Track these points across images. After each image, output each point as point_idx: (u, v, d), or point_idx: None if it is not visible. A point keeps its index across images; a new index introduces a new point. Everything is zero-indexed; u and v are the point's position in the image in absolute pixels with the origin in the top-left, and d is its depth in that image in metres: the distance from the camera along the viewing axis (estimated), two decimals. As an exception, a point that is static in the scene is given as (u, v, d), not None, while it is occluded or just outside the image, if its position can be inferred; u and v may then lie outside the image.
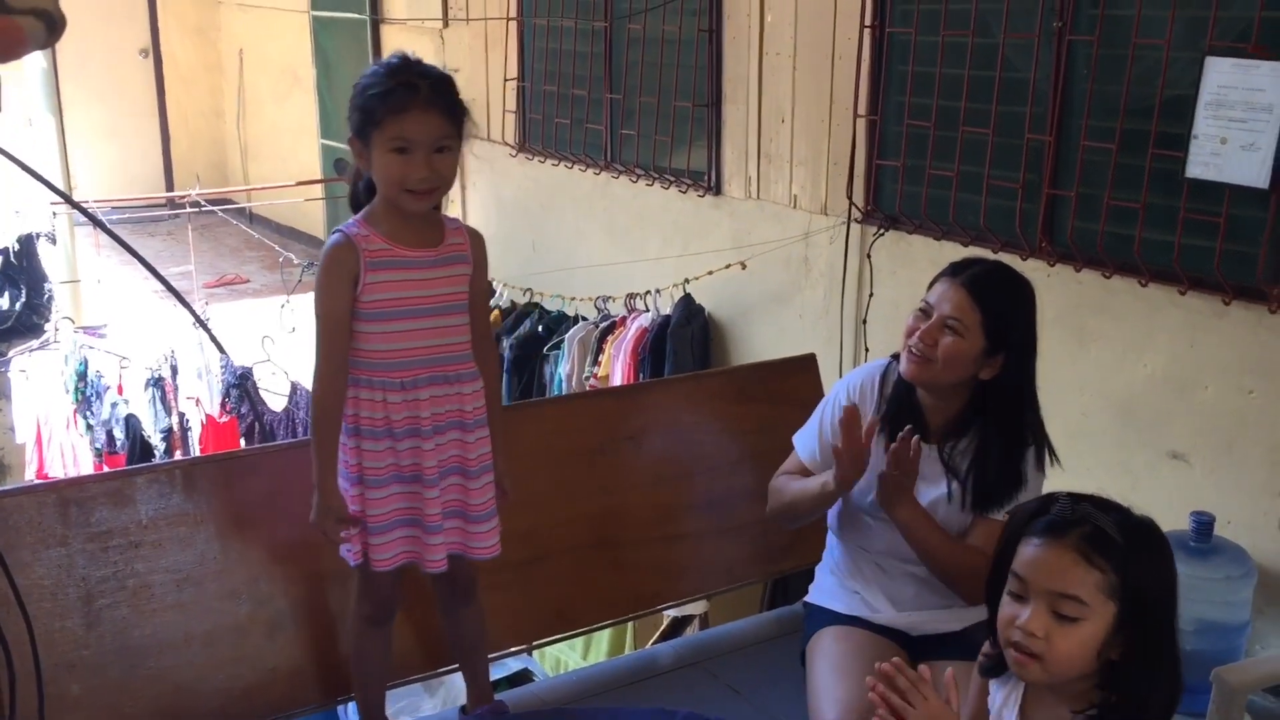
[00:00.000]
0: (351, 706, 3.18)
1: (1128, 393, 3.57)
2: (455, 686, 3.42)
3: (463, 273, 2.14)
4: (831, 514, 2.54)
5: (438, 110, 2.00)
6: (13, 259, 6.41)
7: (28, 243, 6.49)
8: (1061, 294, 3.65)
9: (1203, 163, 3.20)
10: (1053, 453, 2.34)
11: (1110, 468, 3.54)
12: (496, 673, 3.51)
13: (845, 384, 2.47)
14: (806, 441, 2.50)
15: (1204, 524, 2.93)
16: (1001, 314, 2.24)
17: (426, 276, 2.09)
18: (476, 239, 2.19)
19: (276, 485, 2.32)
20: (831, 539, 2.57)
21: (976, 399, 2.30)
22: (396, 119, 1.98)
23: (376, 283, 2.05)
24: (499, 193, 6.71)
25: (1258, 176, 3.08)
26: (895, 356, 2.39)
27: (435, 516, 2.12)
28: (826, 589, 2.53)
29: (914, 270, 4.23)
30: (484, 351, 2.23)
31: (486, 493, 2.19)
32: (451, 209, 7.10)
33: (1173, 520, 2.96)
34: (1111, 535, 1.58)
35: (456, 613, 2.32)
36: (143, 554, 2.19)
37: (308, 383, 5.21)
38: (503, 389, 5.42)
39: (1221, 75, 3.13)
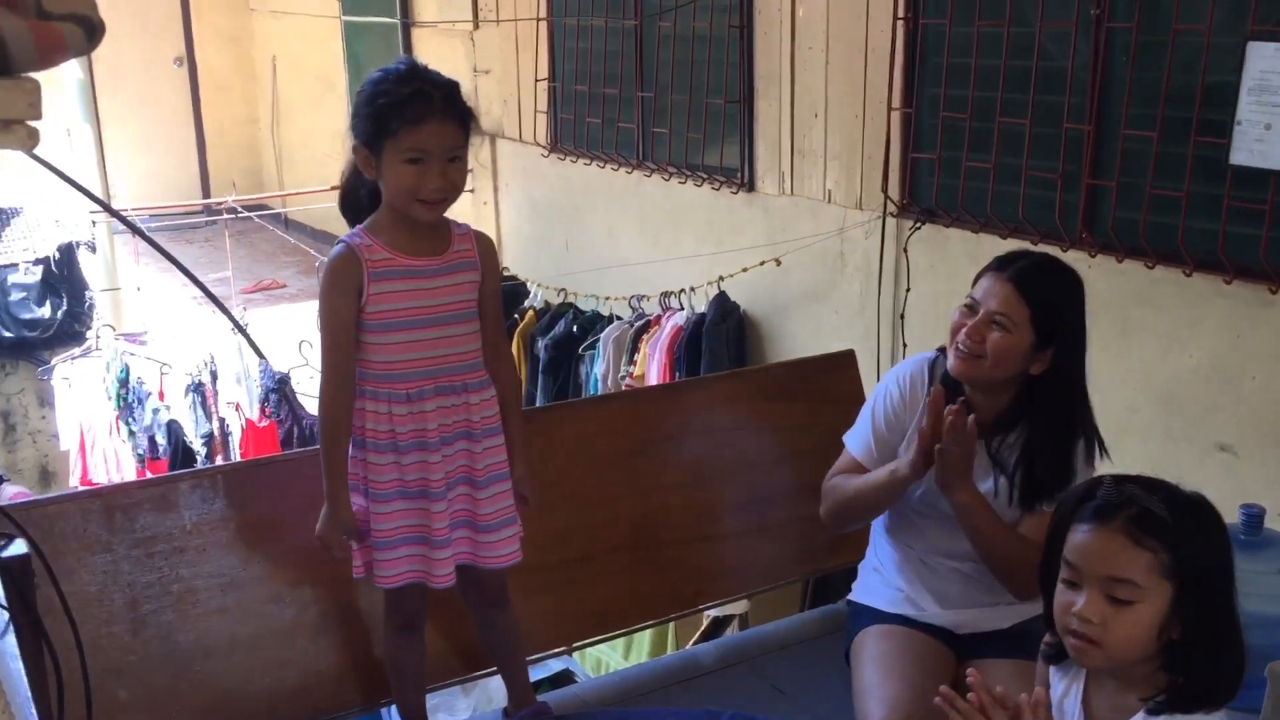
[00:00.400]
0: (393, 709, 3.20)
1: (1173, 385, 3.52)
2: (490, 687, 3.43)
3: (470, 280, 2.11)
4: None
5: (453, 120, 1.99)
6: (54, 268, 6.48)
7: (68, 251, 6.56)
8: (1104, 285, 3.60)
9: (1247, 149, 3.15)
10: (1102, 446, 2.30)
11: (1157, 461, 3.49)
12: (537, 674, 3.52)
13: (894, 375, 2.43)
14: (859, 438, 2.46)
15: (1254, 516, 2.87)
16: (1050, 308, 2.20)
17: (431, 286, 2.06)
18: (485, 243, 2.16)
19: (318, 488, 2.32)
20: (876, 536, 2.54)
21: (1025, 393, 2.27)
22: (413, 130, 1.95)
23: (380, 293, 2.02)
24: (531, 194, 6.71)
25: (1304, 162, 3.02)
26: (942, 350, 2.35)
27: (443, 530, 2.09)
28: (871, 587, 2.50)
29: (952, 264, 4.19)
30: (496, 358, 2.19)
31: (498, 502, 2.16)
32: (485, 210, 7.11)
33: (1222, 513, 2.91)
34: (1159, 514, 1.56)
35: (489, 619, 2.31)
36: (187, 559, 2.20)
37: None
38: (536, 390, 5.42)
39: (1264, 60, 3.07)
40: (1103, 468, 2.33)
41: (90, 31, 0.84)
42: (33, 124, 0.80)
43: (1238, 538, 2.85)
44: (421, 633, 2.27)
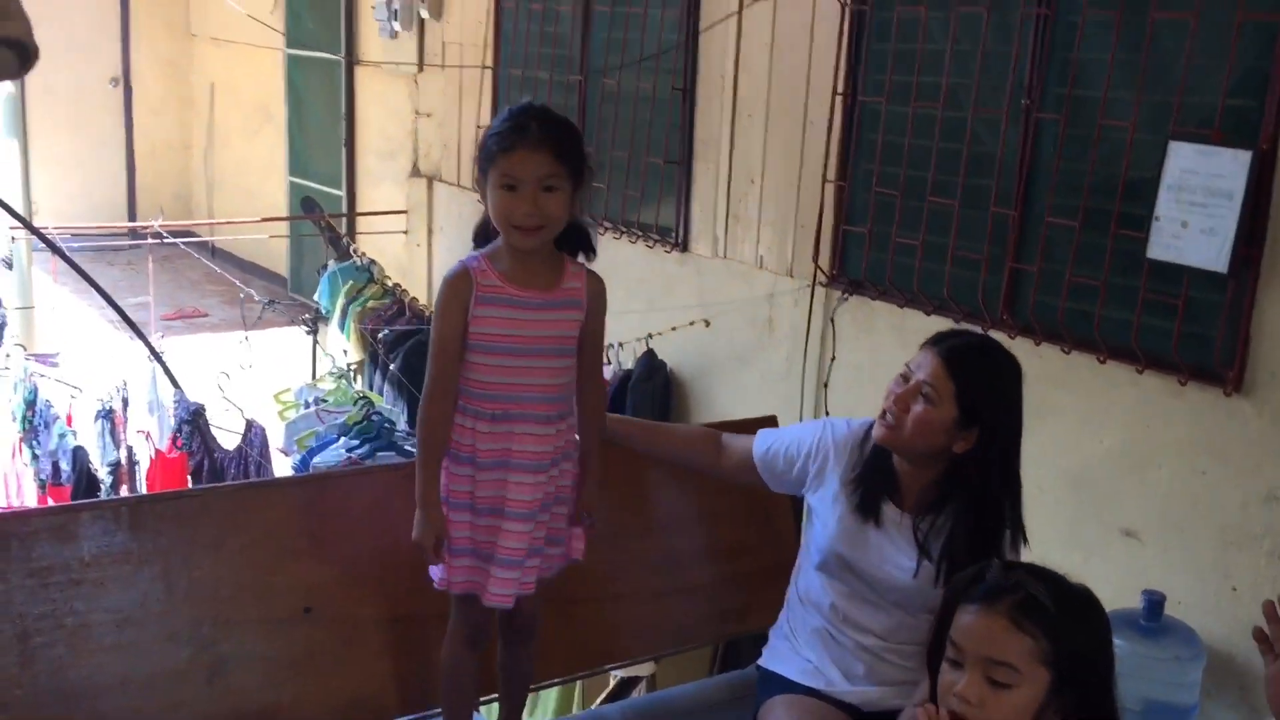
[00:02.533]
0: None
1: (1083, 468, 3.59)
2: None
3: (574, 317, 2.20)
4: (795, 574, 2.52)
5: (546, 149, 2.07)
6: (-33, 282, 6.31)
7: (-16, 266, 6.40)
8: (1022, 366, 3.67)
9: (1164, 244, 3.25)
10: (1024, 534, 2.32)
11: (1063, 542, 3.56)
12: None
13: (835, 430, 2.44)
14: (769, 438, 2.52)
15: (1154, 603, 2.94)
16: (976, 386, 2.22)
17: (534, 317, 2.15)
18: (595, 284, 2.24)
19: (225, 527, 2.28)
20: (790, 601, 2.54)
21: (953, 474, 2.28)
22: (505, 156, 2.06)
23: (484, 316, 2.12)
24: (465, 238, 6.66)
25: (1217, 260, 3.13)
26: None
27: (517, 551, 2.17)
28: (781, 654, 2.50)
29: (877, 336, 4.26)
30: (588, 388, 2.31)
31: (558, 520, 2.28)
32: (418, 252, 7.08)
33: (1123, 598, 2.97)
34: (1043, 602, 1.60)
35: (514, 649, 2.39)
36: (83, 592, 2.13)
37: (264, 420, 5.16)
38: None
39: (1184, 160, 3.19)
40: (1024, 555, 2.36)
41: (24, 57, 0.83)
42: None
43: (1138, 623, 2.92)
44: (482, 650, 2.34)
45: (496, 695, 2.50)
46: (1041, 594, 1.61)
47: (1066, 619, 1.60)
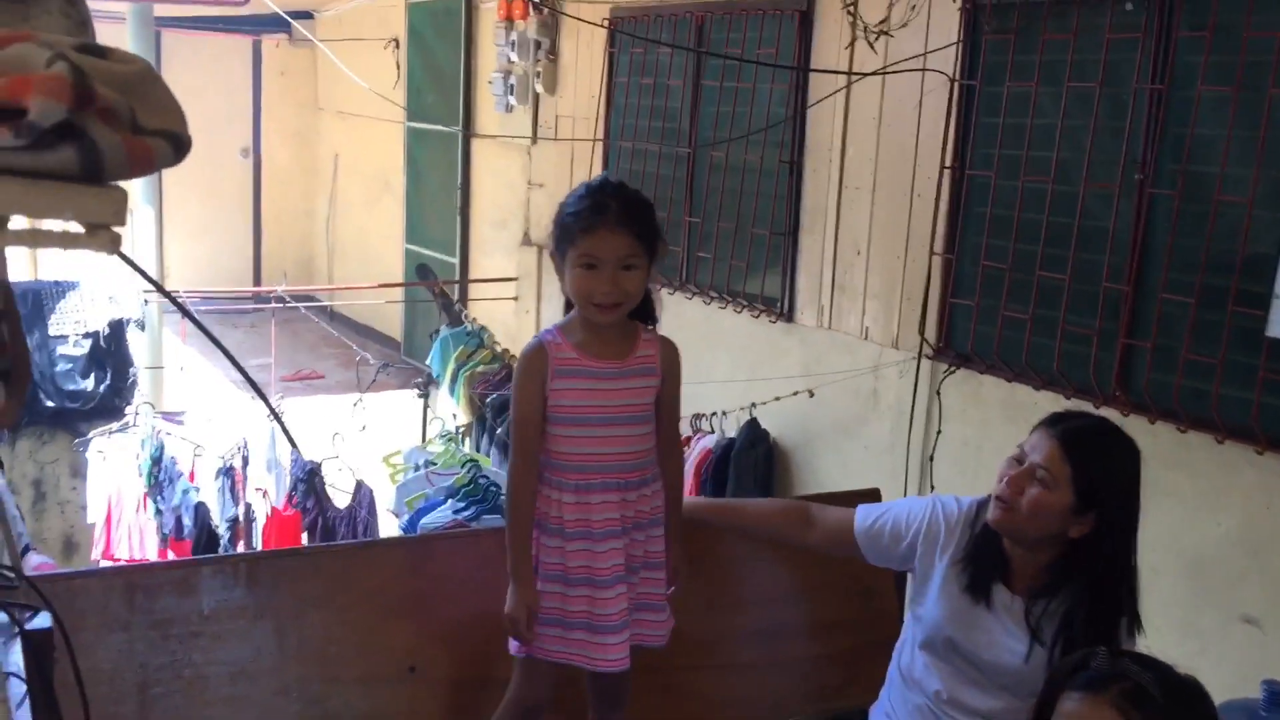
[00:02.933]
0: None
1: (1199, 552, 3.48)
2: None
3: (649, 385, 2.24)
4: (898, 650, 2.49)
5: (626, 230, 2.11)
6: (101, 342, 6.61)
7: (118, 327, 6.70)
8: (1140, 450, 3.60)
9: (1284, 323, 3.17)
10: (1139, 622, 2.26)
11: (1179, 629, 3.44)
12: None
13: (945, 508, 2.41)
14: (872, 512, 2.49)
15: (1276, 694, 2.82)
16: (1093, 471, 2.17)
17: (611, 387, 2.19)
18: (668, 350, 2.29)
19: (335, 585, 2.35)
20: (890, 678, 2.51)
21: (1067, 558, 2.23)
22: (586, 237, 2.10)
23: (562, 389, 2.17)
24: (574, 306, 6.80)
25: (1339, 339, 3.04)
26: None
27: (615, 616, 2.19)
28: (880, 733, 2.47)
29: (984, 410, 4.21)
30: (668, 455, 2.33)
31: (651, 585, 2.29)
32: (527, 319, 7.21)
33: (1243, 687, 2.85)
34: (1151, 692, 1.58)
35: (604, 715, 2.40)
36: (201, 644, 2.21)
37: (373, 482, 5.28)
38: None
39: (1304, 240, 3.11)
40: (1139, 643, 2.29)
41: (178, 147, 0.90)
42: (116, 230, 0.86)
43: (1258, 714, 2.80)
44: None
45: None
46: (1149, 683, 1.58)
47: (1174, 709, 1.58)
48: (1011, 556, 2.28)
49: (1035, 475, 2.18)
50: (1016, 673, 2.26)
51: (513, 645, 2.26)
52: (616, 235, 2.10)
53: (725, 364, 5.53)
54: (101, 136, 0.82)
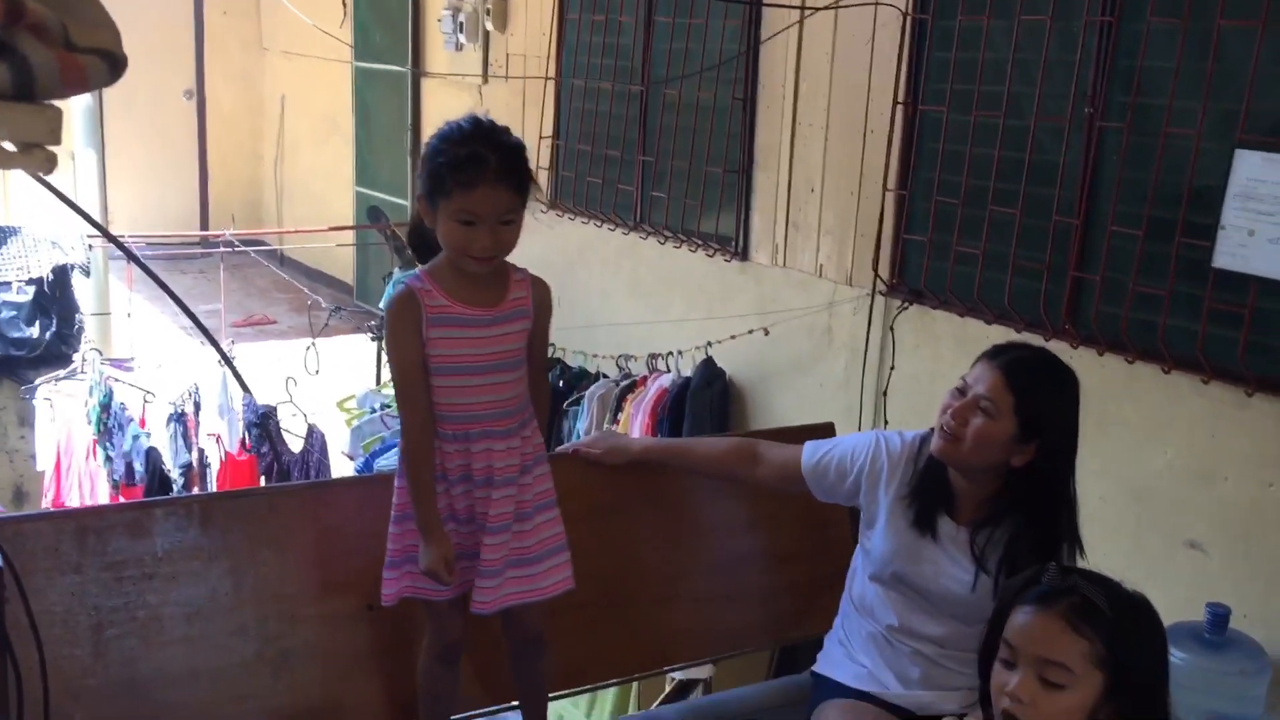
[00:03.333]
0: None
1: (1146, 480, 3.55)
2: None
3: (522, 328, 2.16)
4: (849, 581, 2.53)
5: (505, 185, 2.02)
6: (46, 289, 6.48)
7: (62, 274, 6.57)
8: (1083, 377, 3.58)
9: (1229, 253, 3.21)
10: (1080, 546, 2.31)
11: (1126, 555, 3.52)
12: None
13: (888, 443, 2.44)
14: (819, 448, 2.51)
15: (1219, 616, 2.90)
16: (1035, 400, 2.22)
17: (485, 335, 2.11)
18: (540, 289, 2.20)
19: (290, 525, 2.34)
20: (844, 608, 2.55)
21: (1009, 487, 2.28)
22: (465, 193, 2.00)
23: (436, 339, 2.08)
24: (527, 248, 6.71)
25: (1284, 270, 3.09)
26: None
27: (496, 562, 2.15)
28: (835, 660, 2.51)
29: (936, 345, 4.24)
30: (535, 382, 2.26)
31: (543, 531, 2.22)
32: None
33: (1187, 611, 2.93)
34: (1100, 606, 1.62)
35: (522, 663, 2.37)
36: (155, 586, 2.20)
37: (325, 426, 5.26)
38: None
39: (1251, 168, 3.15)
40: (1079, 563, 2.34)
41: (113, 65, 0.87)
42: (52, 149, 0.83)
43: (1202, 636, 2.88)
44: (459, 664, 2.32)
45: (514, 705, 2.50)
46: (1099, 598, 1.63)
47: (1123, 624, 1.62)
48: (956, 488, 2.32)
49: (979, 406, 2.22)
50: (964, 601, 2.31)
51: (383, 595, 2.21)
52: (497, 191, 2.00)
53: (680, 303, 5.53)
54: (33, 52, 0.79)
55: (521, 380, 2.18)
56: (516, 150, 2.07)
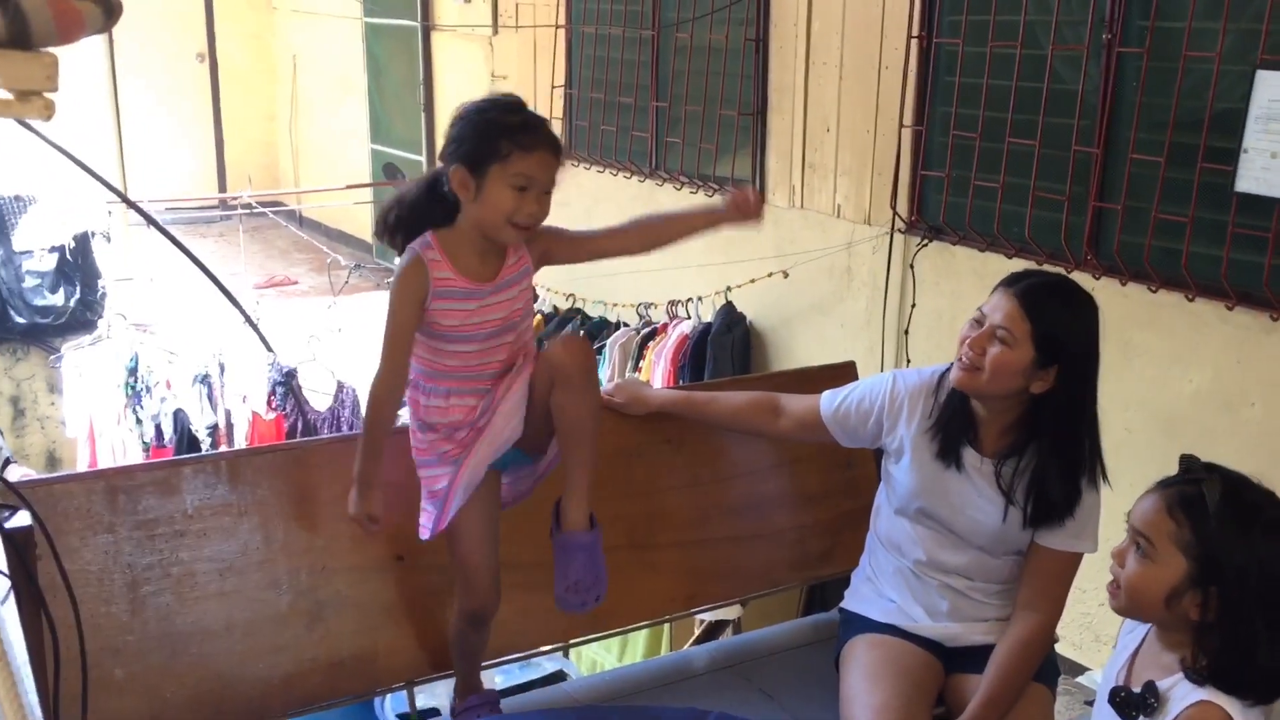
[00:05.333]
0: (389, 699, 3.24)
1: (1172, 408, 3.54)
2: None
3: (525, 286, 2.18)
4: (874, 517, 2.54)
5: (555, 154, 2.06)
6: (69, 256, 6.53)
7: (83, 240, 6.61)
8: (1107, 308, 3.55)
9: (1253, 177, 3.18)
10: (1104, 471, 2.31)
11: (1151, 483, 3.51)
12: (530, 674, 3.54)
13: (906, 380, 2.44)
14: (836, 396, 2.50)
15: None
16: (1053, 326, 2.20)
17: (490, 303, 2.12)
18: (535, 238, 2.17)
19: (320, 479, 2.35)
20: (871, 546, 2.56)
21: (1031, 415, 2.27)
22: (524, 157, 2.01)
23: (440, 309, 2.09)
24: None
25: (1309, 191, 3.05)
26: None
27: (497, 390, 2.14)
28: (863, 596, 2.52)
29: (957, 281, 4.22)
30: (618, 235, 2.35)
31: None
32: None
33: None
34: (1206, 499, 1.68)
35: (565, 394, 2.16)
36: (187, 543, 2.22)
37: (354, 382, 5.28)
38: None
39: (1272, 89, 3.10)
40: (1105, 494, 2.34)
41: (108, 10, 0.87)
42: (49, 96, 0.84)
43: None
44: (488, 626, 2.32)
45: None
46: (1211, 494, 1.68)
47: (1224, 525, 1.67)
48: (978, 419, 2.31)
49: (996, 335, 2.21)
50: (991, 532, 2.31)
51: (422, 531, 2.20)
52: (550, 158, 2.04)
53: (699, 249, 5.49)
54: (25, -1, 0.80)
55: (524, 333, 2.20)
56: (549, 123, 2.12)
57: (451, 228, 2.12)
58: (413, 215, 2.16)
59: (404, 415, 2.30)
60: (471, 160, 2.04)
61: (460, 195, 2.07)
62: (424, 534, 2.22)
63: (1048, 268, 3.73)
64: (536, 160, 2.02)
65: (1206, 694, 1.68)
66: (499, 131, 2.02)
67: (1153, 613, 1.76)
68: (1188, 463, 1.79)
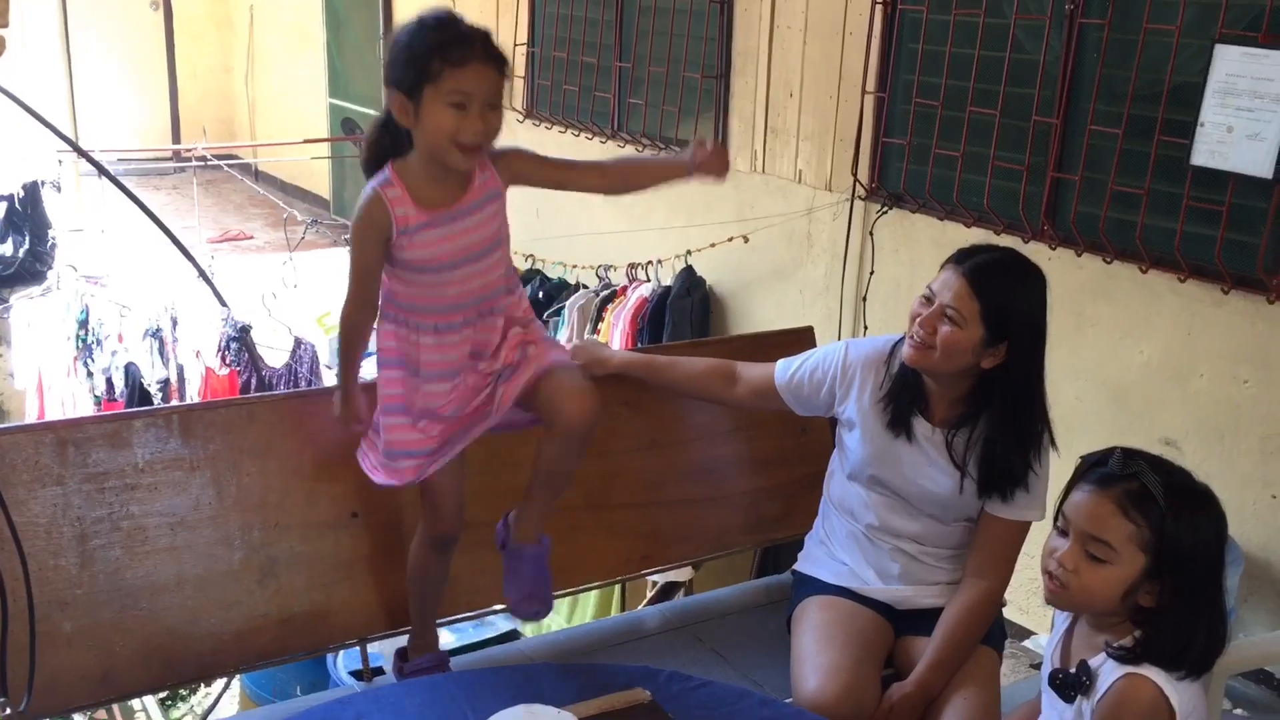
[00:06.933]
0: (340, 655, 3.23)
1: (1123, 378, 3.58)
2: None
3: (495, 209, 2.11)
4: (827, 482, 2.56)
5: (492, 65, 1.98)
6: (17, 205, 6.39)
7: (33, 190, 6.48)
8: (1061, 278, 3.65)
9: (1208, 151, 3.21)
10: (1053, 440, 2.34)
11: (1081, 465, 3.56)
12: (485, 632, 3.55)
13: (858, 350, 2.45)
14: (790, 364, 2.52)
15: (1192, 510, 2.94)
16: (1001, 304, 2.21)
17: (453, 231, 2.06)
18: (503, 158, 2.13)
19: (272, 434, 2.33)
20: (824, 509, 2.59)
21: (981, 387, 2.29)
22: (455, 73, 1.94)
23: (405, 245, 2.04)
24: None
25: (1262, 166, 3.09)
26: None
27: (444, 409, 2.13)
28: (815, 559, 2.55)
29: (916, 249, 4.24)
30: (603, 169, 2.33)
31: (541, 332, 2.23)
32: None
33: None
34: (1154, 495, 1.69)
35: (560, 448, 2.18)
36: (138, 496, 2.20)
37: (311, 337, 5.23)
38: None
39: (1230, 63, 3.13)
40: (1054, 461, 2.37)
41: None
42: (1, 33, 0.81)
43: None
44: (450, 554, 2.30)
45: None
46: (1155, 486, 1.70)
47: (1176, 514, 1.69)
48: (928, 390, 2.33)
49: (946, 314, 2.22)
50: (941, 500, 2.34)
51: (375, 476, 2.19)
52: (487, 70, 1.96)
53: (660, 212, 5.49)
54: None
55: (501, 261, 2.14)
56: (489, 33, 2.03)
57: (407, 158, 2.06)
58: (374, 151, 2.11)
59: (369, 370, 2.27)
60: (406, 85, 1.97)
61: (403, 122, 2.01)
62: (378, 479, 2.19)
63: (1005, 238, 3.76)
64: (471, 74, 1.94)
65: (1134, 668, 1.72)
66: (427, 50, 1.94)
67: (1107, 608, 1.76)
68: (1114, 456, 1.76)
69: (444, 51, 1.94)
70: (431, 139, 2.00)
